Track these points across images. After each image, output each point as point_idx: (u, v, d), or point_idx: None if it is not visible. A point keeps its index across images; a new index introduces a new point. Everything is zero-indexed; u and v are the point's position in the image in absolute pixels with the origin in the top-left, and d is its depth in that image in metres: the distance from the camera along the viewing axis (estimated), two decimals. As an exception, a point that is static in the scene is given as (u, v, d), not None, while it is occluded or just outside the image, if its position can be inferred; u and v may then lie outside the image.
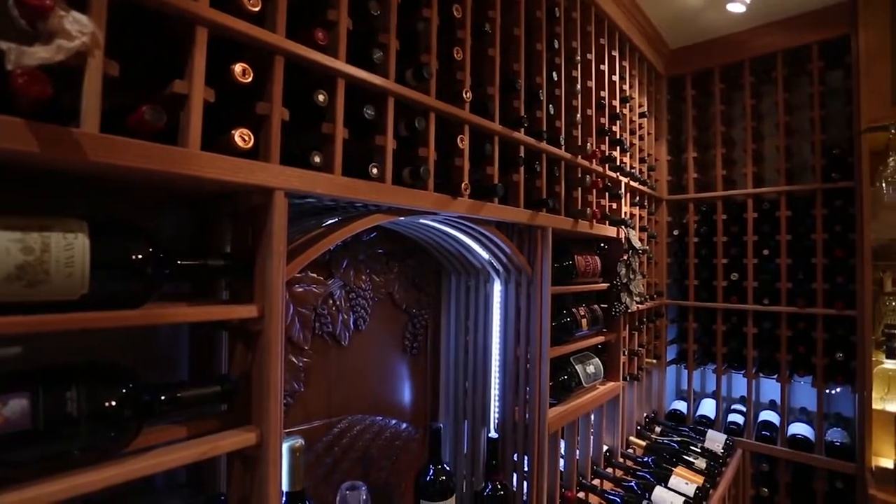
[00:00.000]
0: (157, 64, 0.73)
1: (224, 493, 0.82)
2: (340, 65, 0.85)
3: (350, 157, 0.87)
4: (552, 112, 1.46)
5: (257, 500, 0.76)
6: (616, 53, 1.95)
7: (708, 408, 2.42)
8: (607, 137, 1.79)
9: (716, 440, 2.13)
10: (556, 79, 1.49)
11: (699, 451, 2.03)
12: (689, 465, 1.90)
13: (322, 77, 0.85)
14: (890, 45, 1.79)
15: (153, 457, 0.64)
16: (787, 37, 2.17)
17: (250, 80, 0.73)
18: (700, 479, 1.75)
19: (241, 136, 0.71)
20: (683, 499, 1.62)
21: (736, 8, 2.00)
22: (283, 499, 0.89)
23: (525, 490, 1.42)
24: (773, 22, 2.18)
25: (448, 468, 1.26)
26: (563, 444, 1.64)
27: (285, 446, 0.88)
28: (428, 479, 1.23)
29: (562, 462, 1.64)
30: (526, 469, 1.41)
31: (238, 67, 0.72)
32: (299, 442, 0.92)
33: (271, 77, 0.77)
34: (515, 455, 1.44)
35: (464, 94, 1.11)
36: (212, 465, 0.87)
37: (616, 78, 1.93)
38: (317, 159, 0.83)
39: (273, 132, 0.76)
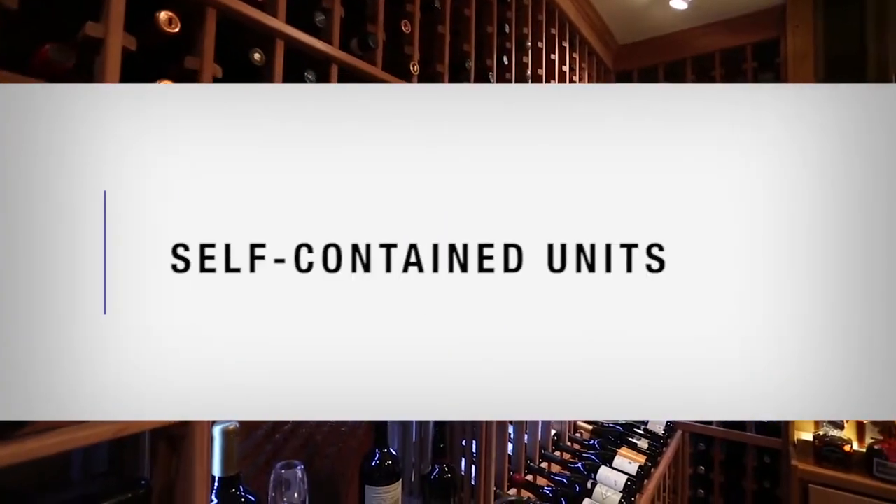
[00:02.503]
0: (72, 4, 0.66)
1: (147, 477, 0.76)
2: (279, 24, 0.81)
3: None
4: (503, 96, 1.46)
5: (183, 484, 0.72)
6: (566, 45, 1.98)
7: (651, 392, 2.51)
8: (557, 126, 1.81)
9: (658, 422, 2.22)
10: (506, 63, 1.49)
11: (643, 433, 2.11)
12: (633, 447, 1.96)
13: (259, 36, 0.80)
14: (814, 48, 1.92)
15: (59, 434, 0.58)
16: (725, 37, 2.28)
17: (177, 30, 0.68)
18: (642, 459, 1.82)
19: (166, 90, 0.66)
20: (626, 477, 1.67)
21: (678, 5, 2.09)
22: (216, 484, 0.84)
23: (473, 474, 1.41)
24: (712, 23, 2.29)
25: (395, 453, 1.23)
26: (511, 428, 1.65)
27: (218, 429, 0.83)
28: (374, 464, 1.20)
29: (510, 446, 1.65)
30: (475, 453, 1.41)
31: (163, 15, 0.66)
32: (233, 424, 0.86)
33: (202, 30, 0.72)
34: (464, 440, 1.43)
35: (411, 68, 1.08)
36: (134, 451, 0.80)
37: (566, 69, 1.96)
38: (253, 122, 0.78)
39: (203, 89, 0.71)
